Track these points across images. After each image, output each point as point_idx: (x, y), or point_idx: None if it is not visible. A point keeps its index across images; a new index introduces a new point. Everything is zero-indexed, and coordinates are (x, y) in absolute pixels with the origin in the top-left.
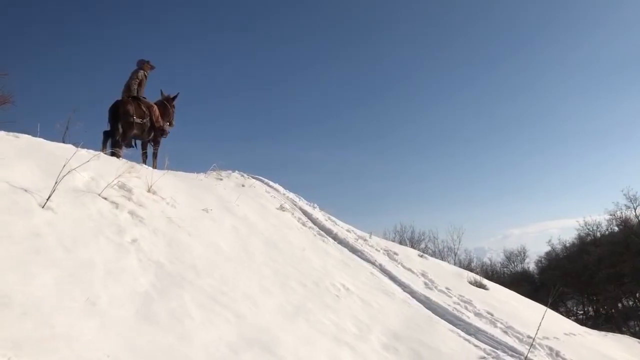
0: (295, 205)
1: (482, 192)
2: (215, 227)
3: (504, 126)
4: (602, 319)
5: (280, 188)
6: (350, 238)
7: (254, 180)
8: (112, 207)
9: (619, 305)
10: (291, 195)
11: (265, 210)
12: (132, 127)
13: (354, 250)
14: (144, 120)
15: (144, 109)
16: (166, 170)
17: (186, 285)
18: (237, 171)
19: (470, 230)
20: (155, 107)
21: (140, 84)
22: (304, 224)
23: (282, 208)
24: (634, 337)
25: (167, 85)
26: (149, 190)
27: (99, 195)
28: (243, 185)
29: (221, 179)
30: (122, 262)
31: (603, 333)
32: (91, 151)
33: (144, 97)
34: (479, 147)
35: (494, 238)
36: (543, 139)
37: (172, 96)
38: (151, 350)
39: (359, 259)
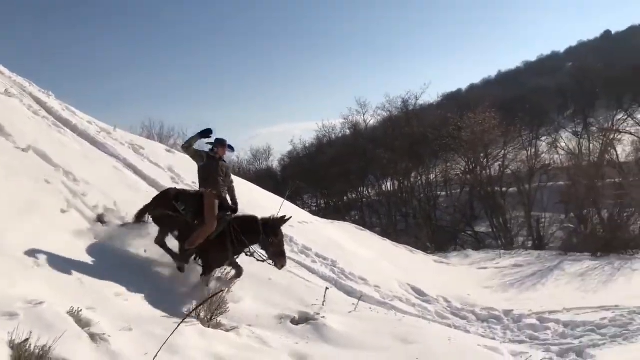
0: (24, 91)
1: (233, 91)
2: None
3: (256, 26)
4: (331, 210)
5: (5, 70)
6: (92, 130)
7: None
8: None
9: (345, 198)
10: (19, 79)
11: None
12: None
13: (95, 143)
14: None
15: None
16: None
17: None
18: None
19: (220, 128)
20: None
21: None
22: (36, 113)
23: (7, 93)
24: (354, 224)
25: None
26: None
27: None
28: None
29: None
30: None
31: (330, 221)
32: None
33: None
34: (231, 46)
35: (242, 137)
36: (288, 46)
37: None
38: None
39: (101, 152)
